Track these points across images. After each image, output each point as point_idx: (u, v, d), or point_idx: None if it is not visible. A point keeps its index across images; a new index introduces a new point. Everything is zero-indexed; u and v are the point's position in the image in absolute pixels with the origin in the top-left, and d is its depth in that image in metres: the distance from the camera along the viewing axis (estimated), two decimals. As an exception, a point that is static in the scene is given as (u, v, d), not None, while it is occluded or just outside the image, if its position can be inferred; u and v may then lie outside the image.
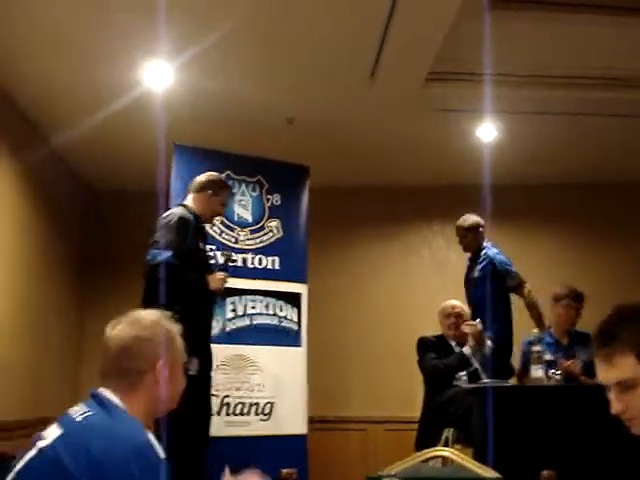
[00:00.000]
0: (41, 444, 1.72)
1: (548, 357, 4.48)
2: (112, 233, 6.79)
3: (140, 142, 5.41)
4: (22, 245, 5.29)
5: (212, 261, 4.56)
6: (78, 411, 1.77)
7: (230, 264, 4.53)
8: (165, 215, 4.13)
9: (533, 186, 6.61)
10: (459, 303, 5.12)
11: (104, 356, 1.88)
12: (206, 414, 4.22)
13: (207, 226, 4.49)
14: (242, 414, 4.84)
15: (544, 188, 6.63)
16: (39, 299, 5.38)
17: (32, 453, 1.72)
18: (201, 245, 4.20)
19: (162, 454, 1.74)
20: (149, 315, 1.93)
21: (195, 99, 4.94)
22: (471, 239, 5.21)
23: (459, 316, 5.02)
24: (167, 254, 3.87)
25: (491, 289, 4.78)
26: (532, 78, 4.84)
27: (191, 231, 4.06)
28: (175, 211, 4.16)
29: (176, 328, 1.96)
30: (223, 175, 4.89)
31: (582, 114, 5.26)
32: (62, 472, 1.63)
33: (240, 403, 4.80)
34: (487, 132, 5.55)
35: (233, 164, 5.23)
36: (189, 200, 4.28)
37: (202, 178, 4.34)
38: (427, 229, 6.89)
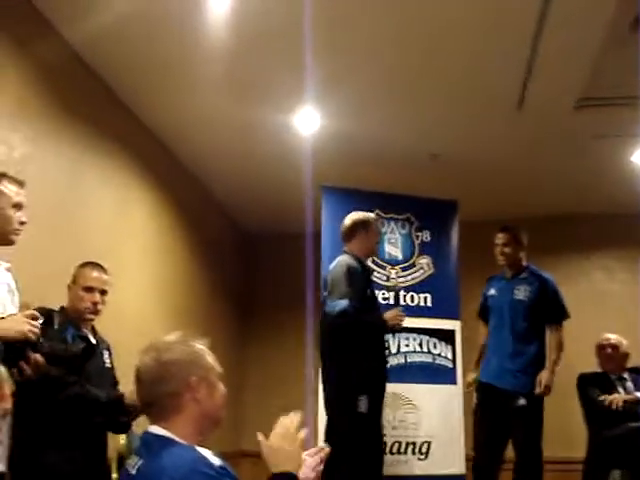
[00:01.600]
0: None
1: None
2: (265, 275, 7.00)
3: (290, 185, 5.56)
4: (182, 286, 5.57)
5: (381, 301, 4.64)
6: (131, 463, 1.81)
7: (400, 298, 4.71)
8: (333, 265, 4.15)
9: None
10: (615, 335, 4.89)
11: (139, 389, 1.90)
12: (378, 453, 4.21)
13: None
14: (399, 453, 4.80)
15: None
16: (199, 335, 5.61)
17: None
18: (369, 289, 4.20)
19: (217, 462, 1.75)
20: (170, 339, 1.93)
21: (341, 141, 5.04)
22: (513, 249, 4.60)
23: (615, 347, 4.81)
24: (344, 302, 3.90)
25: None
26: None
27: (359, 277, 4.09)
28: (341, 259, 4.16)
29: (202, 345, 1.95)
30: (372, 214, 4.95)
31: None
32: None
33: (397, 442, 4.77)
34: (644, 157, 5.32)
35: (381, 203, 5.27)
36: (348, 247, 4.27)
37: (348, 222, 4.31)
38: (585, 260, 6.65)
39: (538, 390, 4.32)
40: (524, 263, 4.62)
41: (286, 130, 4.87)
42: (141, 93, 4.50)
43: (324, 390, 4.21)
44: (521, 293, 4.50)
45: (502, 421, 4.38)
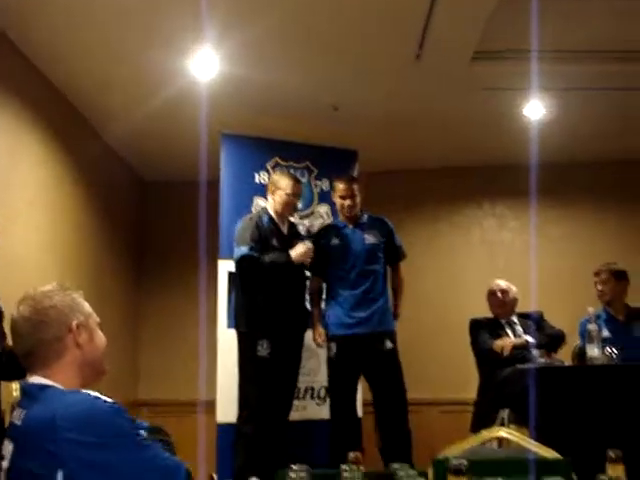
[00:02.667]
0: (4, 465, 1.74)
1: (605, 334, 4.45)
2: (161, 222, 6.89)
3: (187, 132, 5.45)
4: (73, 234, 5.39)
5: None
6: (16, 416, 1.78)
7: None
8: (242, 219, 4.55)
9: (581, 164, 6.50)
10: (505, 282, 5.09)
11: (17, 341, 1.87)
12: (281, 397, 4.41)
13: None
14: (298, 398, 4.89)
15: (593, 166, 6.52)
16: (93, 288, 5.50)
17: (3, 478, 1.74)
18: (274, 242, 4.47)
19: (110, 399, 1.75)
20: (45, 288, 1.90)
21: (241, 88, 4.95)
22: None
23: (505, 292, 5.00)
24: (244, 248, 4.32)
25: None
26: (579, 54, 4.76)
27: (265, 228, 4.46)
28: (251, 214, 4.64)
29: (76, 294, 1.93)
30: (271, 162, 5.00)
31: (631, 89, 5.15)
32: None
33: (297, 388, 4.85)
34: (535, 110, 5.47)
35: (280, 151, 5.27)
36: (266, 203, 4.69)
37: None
38: (477, 209, 6.84)
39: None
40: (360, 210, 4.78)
41: (183, 75, 4.75)
42: (30, 32, 4.27)
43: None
44: (371, 237, 4.66)
45: (361, 366, 4.56)
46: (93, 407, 1.71)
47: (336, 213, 4.96)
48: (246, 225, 4.39)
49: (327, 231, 4.77)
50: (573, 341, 4.89)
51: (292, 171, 5.26)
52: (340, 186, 4.72)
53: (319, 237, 4.77)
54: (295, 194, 4.60)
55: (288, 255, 4.40)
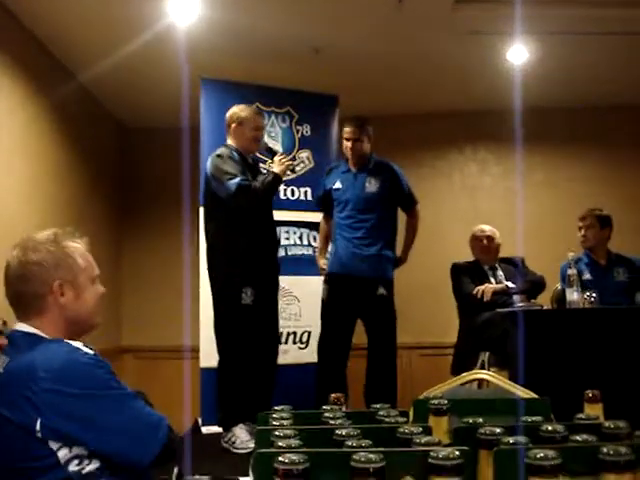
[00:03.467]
0: None
1: (586, 277, 4.52)
2: (142, 168, 6.84)
3: (166, 77, 5.38)
4: (52, 182, 5.33)
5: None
6: (1, 364, 1.76)
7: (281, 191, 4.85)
8: (211, 157, 4.24)
9: (565, 109, 6.49)
10: (489, 227, 5.12)
11: (6, 286, 1.87)
12: (268, 343, 4.36)
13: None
14: (280, 343, 4.93)
15: (576, 111, 6.51)
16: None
17: None
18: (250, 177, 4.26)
19: (90, 352, 1.75)
20: (41, 237, 1.87)
21: (221, 32, 4.87)
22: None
23: (490, 239, 5.04)
24: (236, 179, 4.06)
25: None
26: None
27: (238, 162, 4.21)
28: (217, 151, 4.27)
29: (77, 244, 1.91)
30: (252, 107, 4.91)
31: (615, 33, 5.12)
32: (13, 428, 1.65)
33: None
34: (518, 54, 5.43)
35: (261, 95, 5.22)
36: (228, 140, 4.36)
37: (226, 115, 4.40)
38: (459, 155, 6.84)
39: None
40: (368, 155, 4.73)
41: (162, 18, 4.66)
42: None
43: (211, 282, 4.30)
44: (372, 185, 4.62)
45: (354, 310, 4.59)
46: (74, 358, 1.71)
47: (320, 158, 4.94)
48: (223, 160, 4.17)
49: (332, 172, 4.76)
50: (553, 286, 4.96)
51: (273, 116, 5.22)
52: (346, 128, 4.69)
53: (325, 177, 4.78)
54: (260, 127, 4.47)
55: (272, 173, 4.23)
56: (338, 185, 4.68)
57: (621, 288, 4.50)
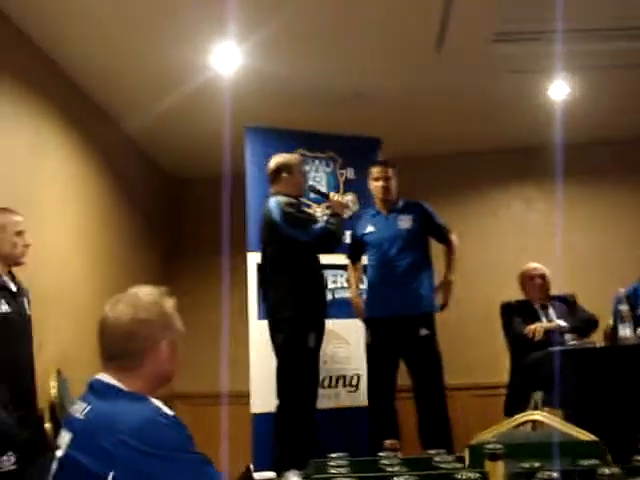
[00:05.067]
0: (58, 454, 1.78)
1: None
2: (188, 218, 6.94)
3: (210, 126, 5.47)
4: (103, 231, 5.46)
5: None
6: (78, 409, 1.82)
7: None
8: (271, 208, 4.27)
9: (608, 142, 6.44)
10: (539, 265, 5.07)
11: (105, 338, 1.90)
12: (316, 385, 4.40)
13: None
14: (330, 387, 4.92)
15: (619, 144, 6.45)
16: (123, 284, 5.55)
17: (54, 467, 1.78)
18: None
19: (170, 412, 1.78)
20: (148, 295, 1.95)
21: (263, 80, 4.97)
22: (395, 183, 4.79)
23: (543, 277, 4.98)
24: (319, 224, 4.23)
25: None
26: (603, 32, 4.69)
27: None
28: (276, 200, 4.30)
29: (172, 304, 1.98)
30: (294, 153, 4.99)
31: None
32: (87, 474, 1.68)
33: (328, 376, 4.88)
34: (559, 90, 5.43)
35: (305, 142, 5.28)
36: (274, 189, 4.42)
37: (271, 164, 4.47)
38: (504, 192, 6.81)
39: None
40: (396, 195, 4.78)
41: (205, 69, 4.78)
42: (50, 30, 4.29)
43: (277, 327, 4.31)
44: (405, 223, 4.66)
45: (398, 351, 4.57)
46: (155, 419, 1.75)
47: (364, 200, 4.97)
48: (293, 208, 4.25)
49: (362, 219, 4.79)
50: (605, 323, 4.87)
51: (317, 161, 5.28)
52: (375, 169, 4.76)
53: (355, 226, 4.81)
54: (307, 173, 4.63)
55: (335, 214, 4.35)
56: (370, 229, 4.72)
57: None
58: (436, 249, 4.84)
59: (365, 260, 4.89)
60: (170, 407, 1.84)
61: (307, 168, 4.93)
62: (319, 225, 4.21)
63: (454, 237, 4.81)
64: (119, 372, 1.86)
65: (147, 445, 1.69)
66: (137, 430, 1.70)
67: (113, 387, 1.83)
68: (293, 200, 4.31)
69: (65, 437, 1.80)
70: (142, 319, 1.88)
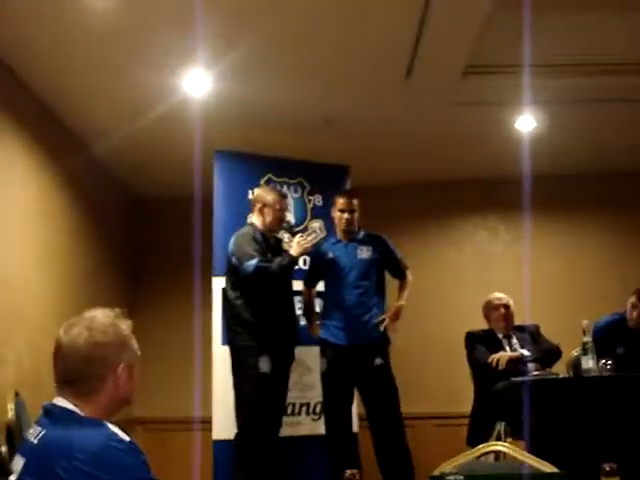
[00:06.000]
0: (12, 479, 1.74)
1: (620, 352, 4.52)
2: (154, 239, 6.89)
3: (179, 149, 5.47)
4: (68, 252, 5.39)
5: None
6: (33, 434, 1.78)
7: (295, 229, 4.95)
8: (236, 236, 4.46)
9: (573, 176, 6.53)
10: (504, 295, 5.10)
11: (60, 362, 1.86)
12: (278, 413, 4.43)
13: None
14: (294, 414, 4.88)
15: (585, 177, 6.55)
16: (86, 305, 5.47)
17: None
18: (269, 256, 4.45)
19: (126, 438, 1.75)
20: (103, 317, 1.91)
21: (233, 105, 4.98)
22: (357, 214, 4.82)
23: (507, 307, 5.01)
24: (254, 260, 4.28)
25: None
26: (570, 67, 4.80)
27: (261, 244, 4.44)
28: (242, 230, 4.52)
29: (128, 326, 1.95)
30: (264, 179, 5.02)
31: (622, 100, 5.19)
32: None
33: (291, 404, 4.84)
34: (526, 123, 5.51)
35: (274, 167, 5.28)
36: (250, 220, 4.66)
37: (252, 195, 4.71)
38: (469, 222, 6.87)
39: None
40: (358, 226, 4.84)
41: (175, 92, 4.77)
42: (17, 48, 4.26)
43: (231, 352, 4.42)
44: (364, 252, 4.72)
45: (354, 380, 4.60)
46: (111, 445, 1.71)
47: (330, 228, 4.98)
48: (245, 239, 4.39)
49: (322, 247, 4.79)
50: (568, 354, 4.91)
51: (285, 187, 5.28)
52: (340, 200, 4.79)
53: (315, 253, 4.79)
54: (284, 209, 4.68)
55: (289, 255, 4.45)
56: (330, 256, 4.74)
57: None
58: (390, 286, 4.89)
59: (321, 287, 4.92)
60: (127, 432, 1.80)
61: (288, 205, 4.98)
62: (252, 262, 4.27)
63: (409, 273, 4.89)
64: (75, 396, 1.82)
65: (102, 471, 1.66)
66: (92, 456, 1.67)
67: (68, 411, 1.79)
68: (251, 232, 4.44)
69: (19, 462, 1.76)
70: (98, 342, 1.84)
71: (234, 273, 4.41)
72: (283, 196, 4.77)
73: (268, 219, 4.55)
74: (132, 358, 1.92)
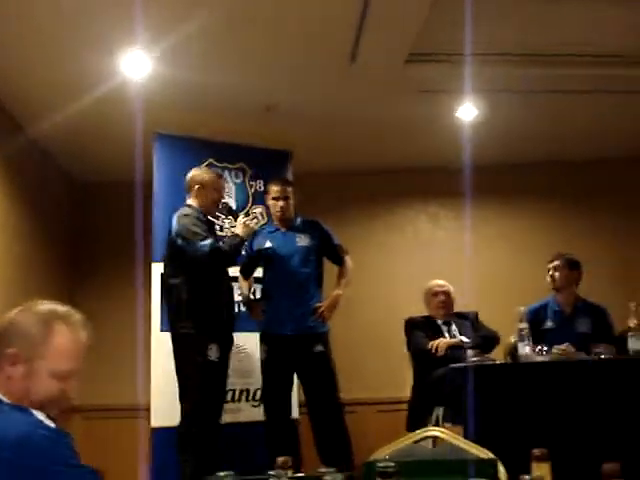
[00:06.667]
0: None
1: (547, 326, 4.61)
2: (93, 224, 6.77)
3: (119, 132, 5.37)
4: (8, 235, 5.27)
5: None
6: None
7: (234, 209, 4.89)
8: (178, 216, 4.28)
9: (514, 165, 6.61)
10: (444, 282, 5.14)
11: None
12: (221, 400, 4.39)
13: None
14: (233, 401, 4.85)
15: (525, 166, 6.63)
16: (25, 292, 5.36)
17: None
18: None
19: (52, 425, 1.70)
20: (35, 305, 1.85)
21: (174, 88, 4.90)
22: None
23: (447, 294, 5.06)
24: (209, 241, 4.16)
25: None
26: (512, 57, 4.83)
27: (205, 224, 4.33)
28: (183, 210, 4.33)
29: (66, 332, 1.86)
30: (205, 163, 4.95)
31: (562, 91, 5.27)
32: None
33: (231, 390, 4.81)
34: (467, 112, 5.55)
35: (215, 152, 5.22)
36: (188, 202, 4.43)
37: (187, 177, 4.47)
38: (409, 209, 6.91)
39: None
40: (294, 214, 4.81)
41: (115, 74, 4.66)
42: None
43: (175, 339, 4.29)
44: (302, 240, 4.69)
45: (293, 367, 4.60)
46: (32, 430, 1.65)
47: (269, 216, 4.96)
48: (190, 220, 4.23)
49: (259, 235, 4.75)
50: (507, 340, 4.98)
51: (227, 172, 5.23)
52: (274, 188, 4.74)
53: (252, 242, 4.75)
54: (221, 189, 4.60)
55: (237, 235, 4.38)
56: (268, 244, 4.70)
57: (582, 340, 4.50)
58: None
59: (258, 273, 4.88)
60: (53, 419, 1.75)
61: (226, 186, 4.93)
62: (208, 242, 4.15)
63: (348, 259, 4.85)
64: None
65: (27, 459, 1.60)
66: (16, 444, 1.61)
67: None
68: (195, 213, 4.30)
69: None
70: (13, 321, 1.79)
71: (178, 256, 4.25)
72: (219, 176, 4.66)
73: (205, 200, 4.42)
74: (35, 354, 1.80)
